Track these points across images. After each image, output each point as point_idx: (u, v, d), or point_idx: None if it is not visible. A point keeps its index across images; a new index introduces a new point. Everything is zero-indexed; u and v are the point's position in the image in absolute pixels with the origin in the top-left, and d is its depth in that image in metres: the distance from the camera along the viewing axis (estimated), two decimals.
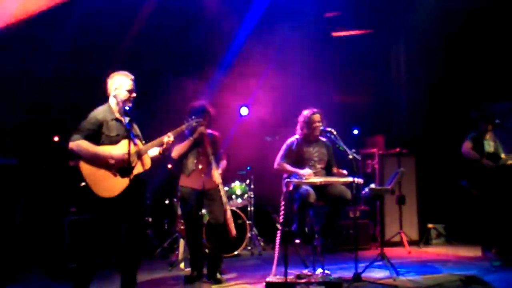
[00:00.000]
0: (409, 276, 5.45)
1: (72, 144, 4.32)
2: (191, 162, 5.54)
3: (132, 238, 4.50)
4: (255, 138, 7.90)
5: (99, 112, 4.47)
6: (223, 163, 5.72)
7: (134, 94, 4.51)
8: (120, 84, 4.50)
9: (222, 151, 5.77)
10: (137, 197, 4.52)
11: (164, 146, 4.68)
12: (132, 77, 4.55)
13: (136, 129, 4.60)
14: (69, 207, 6.29)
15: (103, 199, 4.32)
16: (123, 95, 4.49)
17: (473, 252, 6.81)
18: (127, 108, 4.45)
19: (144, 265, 6.44)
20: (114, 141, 4.42)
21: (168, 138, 4.68)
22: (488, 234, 6.35)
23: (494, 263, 5.95)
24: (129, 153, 4.29)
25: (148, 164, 4.50)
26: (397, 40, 9.48)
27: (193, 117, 5.10)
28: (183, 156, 5.57)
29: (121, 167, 4.37)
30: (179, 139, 5.28)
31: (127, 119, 4.44)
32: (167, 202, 7.58)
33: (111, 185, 4.35)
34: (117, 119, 4.50)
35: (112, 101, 4.54)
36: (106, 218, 4.38)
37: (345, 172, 5.67)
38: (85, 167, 4.32)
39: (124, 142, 4.39)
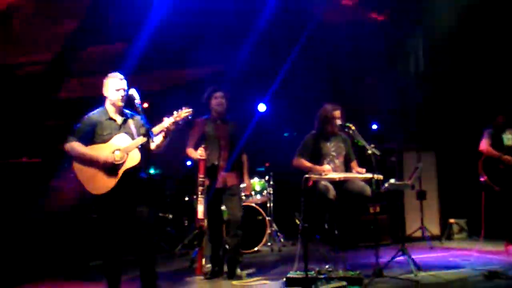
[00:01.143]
0: (430, 271, 5.40)
1: (67, 146, 4.58)
2: (213, 158, 5.54)
3: (137, 234, 4.57)
4: (274, 134, 7.90)
5: (94, 114, 4.69)
6: (245, 159, 5.73)
7: (122, 92, 4.63)
8: (109, 85, 4.68)
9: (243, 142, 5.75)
10: (134, 193, 4.57)
11: (165, 130, 4.68)
12: (121, 76, 4.70)
13: (131, 127, 4.66)
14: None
15: (97, 197, 4.50)
16: (113, 94, 4.65)
17: (496, 247, 6.73)
18: (121, 105, 4.63)
19: (164, 261, 6.51)
20: (106, 139, 4.60)
21: (169, 120, 4.66)
22: (510, 228, 6.27)
23: None
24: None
25: (137, 160, 4.55)
26: (417, 34, 9.39)
27: (183, 107, 4.81)
28: (204, 149, 5.56)
29: (109, 165, 4.51)
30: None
31: (120, 119, 4.67)
32: (186, 199, 7.63)
33: (100, 183, 4.50)
34: (111, 119, 4.67)
35: (107, 103, 4.73)
36: (104, 215, 4.56)
37: (363, 170, 5.63)
38: (76, 167, 4.55)
39: (114, 139, 4.57)
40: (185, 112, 4.81)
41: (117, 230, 4.57)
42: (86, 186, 4.50)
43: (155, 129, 4.66)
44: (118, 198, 4.50)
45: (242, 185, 7.08)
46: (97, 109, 4.71)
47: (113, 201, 4.50)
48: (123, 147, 4.55)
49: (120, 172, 4.51)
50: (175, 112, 4.81)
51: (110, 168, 4.50)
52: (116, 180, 4.50)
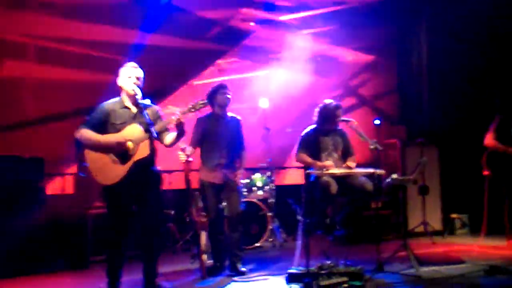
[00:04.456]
0: (432, 266, 5.40)
1: (78, 134, 4.52)
2: (213, 156, 5.54)
3: (145, 228, 4.58)
4: (276, 130, 7.87)
5: (108, 103, 4.65)
6: (244, 154, 5.72)
7: (134, 79, 4.61)
8: (123, 75, 4.66)
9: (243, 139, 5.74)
10: (143, 184, 4.57)
11: (177, 124, 4.60)
12: (135, 65, 4.70)
13: (144, 118, 4.53)
14: (92, 201, 6.37)
15: (108, 187, 4.48)
16: (126, 82, 4.63)
17: (497, 242, 6.72)
18: (133, 92, 4.58)
19: (166, 258, 6.52)
20: (118, 128, 4.55)
21: (176, 117, 4.58)
22: None
23: None
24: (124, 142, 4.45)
25: (146, 151, 4.50)
26: (419, 28, 9.37)
27: (198, 100, 4.75)
28: (204, 148, 5.58)
29: (122, 153, 4.46)
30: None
31: (135, 109, 4.62)
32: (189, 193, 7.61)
33: (111, 172, 4.47)
34: (125, 107, 4.64)
35: (122, 93, 4.69)
36: (114, 206, 4.55)
37: (353, 165, 5.61)
38: (88, 156, 4.50)
39: (127, 129, 4.52)
40: (200, 103, 4.74)
41: (124, 223, 4.58)
42: (97, 177, 4.46)
43: (163, 124, 4.65)
44: (127, 189, 4.48)
45: (244, 181, 7.12)
46: (112, 99, 4.69)
47: (123, 191, 4.48)
48: (134, 138, 4.50)
49: (129, 165, 4.47)
50: (189, 104, 4.74)
51: (122, 154, 4.46)
52: (127, 168, 4.46)
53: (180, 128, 4.65)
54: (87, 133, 4.49)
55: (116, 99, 4.68)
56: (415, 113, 9.15)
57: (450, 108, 8.65)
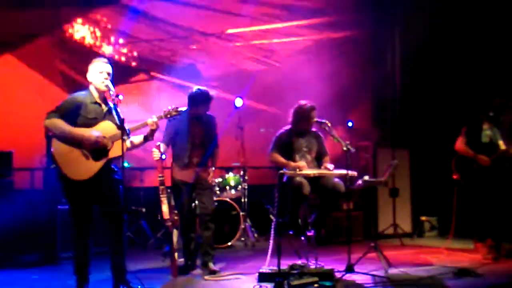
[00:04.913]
0: (401, 268, 5.47)
1: (47, 122, 4.35)
2: (185, 155, 5.51)
3: (109, 224, 4.51)
4: (249, 130, 7.88)
5: (79, 95, 4.53)
6: (217, 152, 5.70)
7: (105, 75, 4.51)
8: (93, 69, 4.56)
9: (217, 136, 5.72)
10: (110, 182, 4.51)
11: (149, 130, 4.63)
12: (105, 60, 4.61)
13: (115, 117, 4.52)
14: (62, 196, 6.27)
15: (74, 182, 4.35)
16: (96, 77, 4.52)
17: (465, 244, 6.84)
18: (105, 88, 4.48)
19: (137, 255, 6.47)
20: (90, 123, 4.44)
21: (152, 120, 4.61)
22: (481, 227, 6.36)
23: (486, 256, 5.98)
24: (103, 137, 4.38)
25: (123, 149, 4.40)
26: (393, 33, 9.48)
27: (173, 105, 4.85)
28: (176, 146, 5.55)
29: (95, 149, 4.38)
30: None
31: (105, 107, 4.54)
32: (159, 192, 7.56)
33: (82, 167, 4.36)
34: (96, 103, 4.53)
35: (91, 87, 4.58)
36: (79, 202, 4.43)
37: (331, 166, 5.64)
38: (57, 147, 4.36)
39: (101, 126, 4.45)
40: (175, 110, 4.81)
41: (89, 219, 4.50)
42: (65, 170, 4.32)
43: (137, 126, 4.61)
44: (95, 186, 4.40)
45: (217, 180, 7.11)
46: (81, 92, 4.56)
47: (93, 188, 4.39)
48: (109, 136, 4.43)
49: (100, 163, 4.39)
50: (164, 110, 4.80)
51: (96, 150, 4.37)
52: (101, 165, 4.39)
53: (152, 133, 4.66)
54: (59, 123, 4.34)
55: (85, 92, 4.55)
56: (387, 116, 9.26)
57: (422, 111, 8.77)
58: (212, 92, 5.60)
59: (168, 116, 4.82)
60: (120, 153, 4.38)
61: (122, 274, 4.57)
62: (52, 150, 4.37)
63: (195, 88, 5.61)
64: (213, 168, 5.67)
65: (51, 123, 4.35)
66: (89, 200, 4.46)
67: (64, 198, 4.58)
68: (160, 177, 5.24)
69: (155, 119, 4.64)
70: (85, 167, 4.38)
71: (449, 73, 8.43)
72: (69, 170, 4.35)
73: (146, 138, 4.72)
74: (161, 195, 5.26)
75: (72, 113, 4.41)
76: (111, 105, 4.57)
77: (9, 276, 5.62)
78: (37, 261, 6.09)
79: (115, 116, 4.53)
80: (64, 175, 4.35)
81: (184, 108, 5.05)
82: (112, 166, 4.55)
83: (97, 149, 4.40)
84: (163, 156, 5.31)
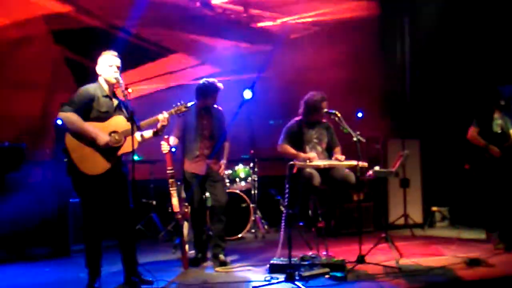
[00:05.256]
0: (412, 258, 5.45)
1: (62, 115, 4.35)
2: (195, 147, 5.52)
3: (119, 218, 4.54)
4: (259, 121, 7.87)
5: (91, 87, 4.51)
6: (227, 146, 5.71)
7: (115, 69, 4.50)
8: (103, 62, 4.55)
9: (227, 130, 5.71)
10: (121, 176, 4.53)
11: (159, 126, 4.65)
12: (115, 53, 4.58)
13: (124, 111, 4.54)
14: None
15: (87, 176, 4.36)
16: (106, 70, 4.51)
17: (477, 235, 6.81)
18: (115, 81, 4.48)
19: (148, 248, 6.50)
20: (103, 117, 4.45)
21: (163, 115, 4.63)
22: (491, 217, 6.33)
23: (497, 246, 5.95)
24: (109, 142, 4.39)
25: (135, 144, 4.41)
26: (402, 23, 9.42)
27: (181, 101, 4.88)
28: (186, 139, 5.55)
29: (105, 149, 4.40)
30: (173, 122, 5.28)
31: (115, 101, 4.55)
32: (169, 185, 7.58)
33: (95, 162, 4.38)
34: (107, 96, 4.53)
35: (101, 80, 4.57)
36: (91, 195, 4.44)
37: (343, 157, 5.62)
38: (71, 142, 4.37)
39: (113, 120, 4.46)
40: (184, 106, 4.83)
41: (102, 213, 4.51)
42: (79, 164, 4.33)
43: (148, 121, 4.62)
44: (110, 181, 4.43)
45: (226, 172, 7.11)
46: (92, 84, 4.54)
47: (106, 182, 4.41)
48: (121, 130, 4.44)
49: (112, 159, 4.41)
50: (173, 106, 4.81)
51: (107, 150, 4.39)
52: (113, 163, 4.42)
53: (162, 129, 4.68)
54: (73, 118, 4.33)
55: (96, 84, 4.54)
56: (398, 107, 9.21)
57: (433, 101, 8.71)
58: (219, 84, 5.59)
59: (178, 112, 4.84)
60: (130, 149, 4.40)
61: (133, 266, 4.59)
62: (65, 144, 4.38)
63: (202, 80, 5.61)
64: (224, 161, 5.66)
65: (66, 117, 4.35)
66: (101, 194, 4.48)
67: (76, 192, 4.55)
68: (169, 170, 5.24)
69: (166, 115, 4.66)
70: (98, 162, 4.39)
71: (460, 62, 8.35)
72: (83, 165, 4.36)
73: (156, 133, 4.73)
74: (170, 188, 5.26)
75: (86, 106, 4.41)
76: (121, 98, 4.56)
77: (21, 269, 5.68)
78: (49, 254, 6.14)
79: (125, 111, 4.55)
80: (77, 169, 4.36)
81: (192, 103, 5.06)
82: (125, 161, 4.58)
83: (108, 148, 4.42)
84: (173, 149, 5.31)
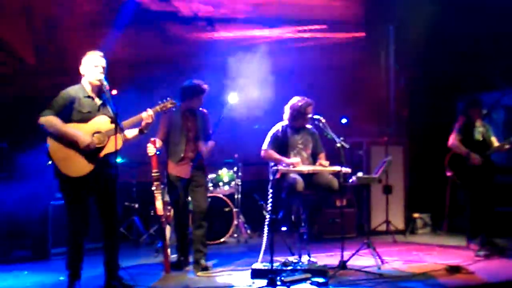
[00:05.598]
0: (394, 264, 5.48)
1: (42, 119, 4.33)
2: (180, 150, 5.48)
3: (104, 220, 4.52)
4: (243, 126, 7.85)
5: (72, 89, 4.48)
6: (211, 143, 5.65)
7: (100, 69, 4.47)
8: (88, 62, 4.51)
9: (212, 131, 5.68)
10: (107, 177, 4.49)
11: (143, 123, 4.62)
12: (101, 54, 4.54)
13: (109, 110, 4.47)
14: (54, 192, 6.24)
15: (71, 178, 4.33)
16: (91, 71, 4.48)
17: (458, 241, 6.86)
18: (98, 82, 4.44)
19: (130, 251, 6.46)
20: (86, 118, 4.42)
21: (147, 113, 4.59)
22: (473, 224, 6.39)
23: (477, 253, 6.00)
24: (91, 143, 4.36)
25: (119, 144, 4.39)
26: (387, 30, 9.48)
27: (168, 98, 4.87)
28: (170, 141, 5.52)
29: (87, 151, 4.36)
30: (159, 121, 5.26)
31: (98, 100, 4.50)
32: (153, 188, 7.53)
33: (78, 164, 4.35)
34: (89, 97, 4.49)
35: (84, 81, 4.54)
36: (75, 198, 4.41)
37: (327, 163, 5.63)
38: (52, 144, 4.34)
39: (96, 120, 4.42)
40: (170, 103, 4.82)
41: (85, 214, 4.48)
42: (61, 167, 4.31)
43: (131, 120, 4.58)
44: (91, 182, 4.39)
45: (210, 176, 7.08)
46: (74, 86, 4.50)
47: (86, 184, 4.38)
48: (104, 131, 4.41)
49: (99, 155, 4.38)
50: (159, 103, 4.78)
51: (90, 152, 4.35)
52: (95, 163, 4.37)
53: (147, 127, 4.64)
54: (53, 120, 4.32)
55: (78, 86, 4.51)
56: (382, 113, 9.26)
57: (416, 108, 8.78)
58: (204, 85, 5.55)
59: (164, 109, 4.81)
60: (113, 149, 4.36)
61: (115, 270, 4.56)
62: (47, 147, 4.34)
63: (187, 81, 5.57)
64: (207, 149, 5.56)
65: (46, 121, 4.32)
66: (85, 195, 4.45)
67: (60, 193, 4.53)
68: (154, 172, 5.21)
69: (150, 113, 4.62)
70: (81, 164, 4.36)
71: (444, 70, 8.43)
72: (65, 167, 4.33)
73: (142, 132, 4.70)
74: (155, 191, 5.23)
75: (66, 109, 4.38)
76: (106, 97, 4.49)
77: (0, 272, 5.59)
78: (28, 257, 6.06)
79: (110, 109, 4.48)
80: (60, 172, 4.33)
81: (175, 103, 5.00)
82: (110, 161, 4.52)
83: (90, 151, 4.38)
84: (157, 152, 5.27)
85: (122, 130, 4.52)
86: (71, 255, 4.50)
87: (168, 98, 4.83)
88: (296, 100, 5.81)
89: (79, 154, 4.35)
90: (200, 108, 5.65)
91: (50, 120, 4.32)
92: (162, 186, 5.52)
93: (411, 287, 4.74)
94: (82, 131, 4.37)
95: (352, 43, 9.36)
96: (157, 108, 4.75)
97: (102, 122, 4.45)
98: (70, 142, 4.32)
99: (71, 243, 4.51)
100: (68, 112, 4.39)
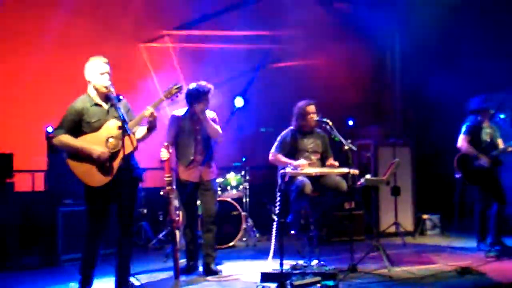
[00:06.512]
0: (403, 267, 5.45)
1: (55, 140, 4.40)
2: (190, 152, 5.47)
3: (121, 224, 4.52)
4: (250, 129, 7.86)
5: (77, 102, 4.47)
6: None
7: (107, 76, 4.45)
8: (93, 69, 4.47)
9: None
10: (128, 181, 4.51)
11: (150, 119, 4.57)
12: (105, 60, 4.51)
13: (118, 112, 4.43)
14: (63, 198, 6.26)
15: (97, 188, 4.37)
16: (97, 79, 4.46)
17: (468, 242, 6.82)
18: (106, 90, 4.44)
19: (139, 256, 6.46)
20: (96, 127, 4.42)
21: (148, 111, 4.54)
22: (483, 225, 6.36)
23: (488, 254, 5.96)
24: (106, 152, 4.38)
25: (134, 143, 4.40)
26: (392, 30, 9.47)
27: (171, 84, 4.81)
28: (180, 145, 5.51)
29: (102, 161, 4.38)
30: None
31: (106, 105, 4.49)
32: (161, 193, 7.55)
33: (97, 177, 4.38)
34: (96, 104, 4.49)
35: (90, 89, 4.53)
36: (98, 207, 4.45)
37: (336, 163, 5.63)
38: (71, 162, 4.40)
39: (106, 127, 4.42)
40: (175, 88, 4.76)
41: (105, 222, 4.51)
42: (84, 179, 4.38)
43: (135, 121, 4.56)
44: (112, 188, 4.41)
45: (218, 180, 7.08)
46: (79, 97, 4.49)
47: (108, 192, 4.41)
48: (115, 135, 4.40)
49: (116, 163, 4.38)
50: (164, 91, 4.75)
51: (105, 159, 4.37)
52: (115, 171, 4.39)
53: (152, 122, 4.59)
54: (66, 139, 4.37)
55: (84, 96, 4.50)
56: (389, 114, 9.25)
57: (424, 109, 8.76)
58: (209, 86, 5.53)
59: (169, 95, 4.76)
60: (131, 148, 4.38)
61: (126, 275, 4.55)
62: (67, 162, 4.40)
63: (192, 84, 5.54)
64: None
65: (59, 142, 4.39)
66: (107, 200, 4.47)
67: (85, 202, 4.55)
68: (167, 177, 5.20)
69: (151, 109, 4.55)
70: (101, 174, 4.39)
71: (450, 71, 8.41)
72: (88, 179, 4.39)
73: (150, 129, 4.66)
74: (170, 196, 5.22)
75: (77, 124, 4.41)
76: (114, 102, 4.46)
77: (10, 278, 5.61)
78: (38, 264, 6.08)
79: (119, 112, 4.43)
80: (86, 185, 4.39)
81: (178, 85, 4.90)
82: (132, 163, 4.54)
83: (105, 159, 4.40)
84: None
85: (129, 134, 4.50)
86: (85, 261, 4.52)
87: (171, 85, 4.77)
88: (298, 103, 5.85)
89: (98, 166, 4.38)
90: (208, 111, 5.61)
91: (62, 140, 4.37)
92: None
93: None
94: (94, 141, 4.38)
95: (359, 47, 9.38)
96: (162, 97, 4.70)
97: (113, 126, 4.44)
98: (86, 155, 4.35)
99: (87, 249, 4.52)
100: (78, 127, 4.42)
